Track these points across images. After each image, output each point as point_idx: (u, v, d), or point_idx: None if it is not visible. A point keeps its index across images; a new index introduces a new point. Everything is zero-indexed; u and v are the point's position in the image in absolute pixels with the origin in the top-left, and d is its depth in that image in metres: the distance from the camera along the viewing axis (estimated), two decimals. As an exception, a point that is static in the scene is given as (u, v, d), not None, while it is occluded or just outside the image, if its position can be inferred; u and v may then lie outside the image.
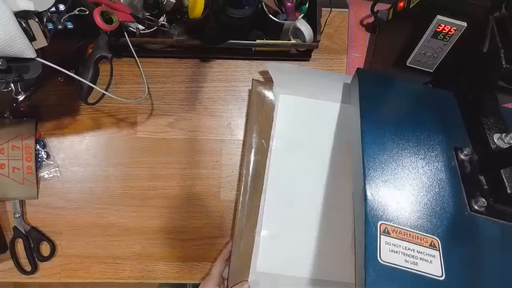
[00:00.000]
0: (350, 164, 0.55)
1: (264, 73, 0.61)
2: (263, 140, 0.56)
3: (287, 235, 0.54)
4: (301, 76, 0.60)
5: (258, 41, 0.56)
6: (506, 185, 0.39)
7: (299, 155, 0.56)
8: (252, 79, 0.59)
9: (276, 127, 0.56)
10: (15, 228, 0.55)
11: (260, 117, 0.57)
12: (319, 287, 0.52)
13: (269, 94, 0.58)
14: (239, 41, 0.56)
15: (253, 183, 0.55)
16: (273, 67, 0.59)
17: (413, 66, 0.51)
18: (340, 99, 0.58)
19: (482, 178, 0.42)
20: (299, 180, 0.55)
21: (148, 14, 0.54)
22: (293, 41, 0.58)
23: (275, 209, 0.54)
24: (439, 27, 0.45)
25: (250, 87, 0.60)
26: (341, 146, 0.57)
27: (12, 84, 0.39)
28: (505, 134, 0.44)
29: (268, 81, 0.59)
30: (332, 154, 0.56)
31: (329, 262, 0.53)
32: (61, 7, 0.43)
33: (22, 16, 0.38)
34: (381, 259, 0.35)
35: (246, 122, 0.59)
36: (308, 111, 0.58)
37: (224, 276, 0.54)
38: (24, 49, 0.38)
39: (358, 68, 0.54)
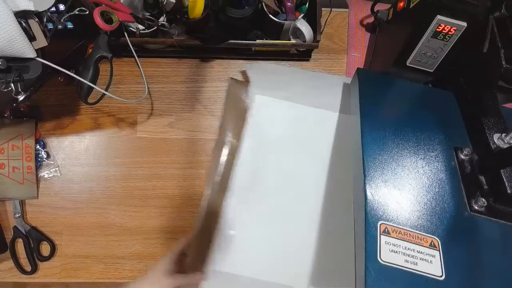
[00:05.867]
0: (320, 170, 0.55)
1: (245, 73, 0.61)
2: (234, 140, 0.56)
3: (249, 235, 0.52)
4: (281, 77, 0.59)
5: (258, 41, 0.56)
6: (506, 185, 0.39)
7: (268, 157, 0.55)
8: (230, 77, 0.59)
9: (248, 128, 0.55)
10: (15, 228, 0.55)
11: (234, 116, 0.57)
12: None
13: (245, 93, 0.57)
14: (239, 41, 0.56)
15: (221, 181, 0.54)
16: (252, 67, 0.58)
17: (413, 66, 0.51)
18: (319, 104, 0.58)
19: (482, 178, 0.42)
20: (265, 182, 0.54)
21: (148, 14, 0.54)
22: (293, 41, 0.58)
23: (238, 209, 0.53)
24: (439, 27, 0.45)
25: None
26: (312, 152, 0.56)
27: (12, 84, 0.40)
28: (505, 134, 0.44)
29: (247, 81, 0.59)
30: (300, 159, 0.55)
31: (288, 266, 0.52)
32: (61, 7, 0.43)
33: (22, 16, 0.38)
34: (381, 259, 0.35)
35: (221, 120, 0.59)
36: (283, 114, 0.57)
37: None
38: (24, 49, 0.38)
39: (358, 68, 0.54)
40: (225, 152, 0.56)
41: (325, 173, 0.55)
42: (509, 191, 0.39)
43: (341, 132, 0.57)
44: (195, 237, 0.53)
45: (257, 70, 0.59)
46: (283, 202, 0.54)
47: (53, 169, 0.57)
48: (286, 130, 0.57)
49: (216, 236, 0.51)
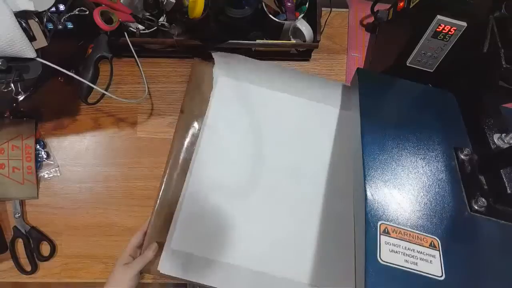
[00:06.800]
0: (281, 154, 0.54)
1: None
2: (196, 122, 0.55)
3: (208, 216, 0.51)
4: (248, 64, 0.59)
5: (258, 41, 0.56)
6: (506, 185, 0.39)
7: (231, 140, 0.54)
8: (195, 58, 0.58)
9: (211, 111, 0.55)
10: (15, 228, 0.55)
11: (196, 98, 0.56)
12: (233, 271, 0.50)
13: (209, 75, 0.57)
14: (239, 41, 0.56)
15: (184, 161, 0.53)
16: (217, 53, 0.57)
17: (413, 66, 0.51)
18: (285, 89, 0.57)
19: (482, 178, 0.42)
20: (228, 163, 0.53)
21: (148, 14, 0.54)
22: (293, 41, 0.58)
23: (198, 191, 0.52)
24: (439, 27, 0.45)
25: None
26: (276, 137, 0.55)
27: (12, 84, 0.39)
28: (505, 134, 0.44)
29: (213, 63, 0.58)
30: (264, 143, 0.55)
31: (247, 248, 0.51)
32: (61, 7, 0.43)
33: (22, 16, 0.38)
34: (381, 259, 0.35)
35: (183, 102, 0.57)
36: (248, 98, 0.56)
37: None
38: (24, 49, 0.38)
39: (358, 68, 0.54)
40: (186, 132, 0.55)
41: (296, 160, 0.55)
42: (509, 191, 0.39)
43: (309, 118, 0.57)
44: (153, 219, 0.51)
45: (224, 55, 0.58)
46: (246, 186, 0.53)
47: (53, 169, 0.57)
48: (250, 115, 0.56)
49: (177, 216, 0.50)
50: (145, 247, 0.50)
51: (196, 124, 0.55)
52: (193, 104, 0.56)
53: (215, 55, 0.57)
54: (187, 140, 0.54)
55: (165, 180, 0.53)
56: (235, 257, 0.50)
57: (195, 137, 0.54)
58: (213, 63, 0.57)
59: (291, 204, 0.53)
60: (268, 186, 0.53)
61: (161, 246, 0.50)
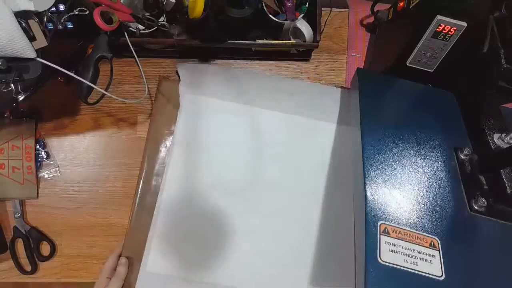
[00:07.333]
0: (252, 167, 0.54)
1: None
2: (166, 141, 0.55)
3: (182, 235, 0.50)
4: (214, 77, 0.58)
5: (258, 41, 0.56)
6: (506, 185, 0.39)
7: (200, 156, 0.54)
8: (159, 76, 0.59)
9: (178, 128, 0.54)
10: (15, 228, 0.55)
11: (165, 117, 0.56)
12: None
13: (176, 92, 0.56)
14: (239, 41, 0.56)
15: (156, 181, 0.53)
16: (184, 66, 0.58)
17: (413, 66, 0.51)
18: (257, 103, 0.57)
19: (482, 178, 0.43)
20: (198, 181, 0.53)
21: (148, 14, 0.54)
22: (293, 41, 0.58)
23: (170, 209, 0.51)
24: (439, 27, 0.45)
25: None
26: (245, 150, 0.55)
27: (12, 84, 0.39)
28: (505, 134, 0.44)
29: (178, 80, 0.58)
30: (235, 159, 0.54)
31: (222, 265, 0.50)
32: (61, 7, 0.43)
33: (22, 16, 0.38)
34: (381, 259, 0.35)
35: (150, 121, 0.58)
36: (215, 113, 0.56)
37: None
38: (24, 49, 0.38)
39: (358, 68, 0.54)
40: (158, 155, 0.55)
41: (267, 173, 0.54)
42: (509, 191, 0.39)
43: (277, 132, 0.56)
44: (126, 239, 0.52)
45: (188, 69, 0.58)
46: (218, 203, 0.52)
47: (53, 169, 0.57)
48: (218, 131, 0.55)
49: (151, 236, 0.50)
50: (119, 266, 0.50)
51: (166, 143, 0.55)
52: (162, 123, 0.56)
53: (181, 70, 0.57)
54: (158, 161, 0.55)
55: (137, 200, 0.53)
56: (218, 276, 0.49)
57: (166, 156, 0.54)
58: (179, 79, 0.57)
59: (276, 215, 0.52)
60: (254, 195, 0.53)
61: (138, 262, 0.49)
